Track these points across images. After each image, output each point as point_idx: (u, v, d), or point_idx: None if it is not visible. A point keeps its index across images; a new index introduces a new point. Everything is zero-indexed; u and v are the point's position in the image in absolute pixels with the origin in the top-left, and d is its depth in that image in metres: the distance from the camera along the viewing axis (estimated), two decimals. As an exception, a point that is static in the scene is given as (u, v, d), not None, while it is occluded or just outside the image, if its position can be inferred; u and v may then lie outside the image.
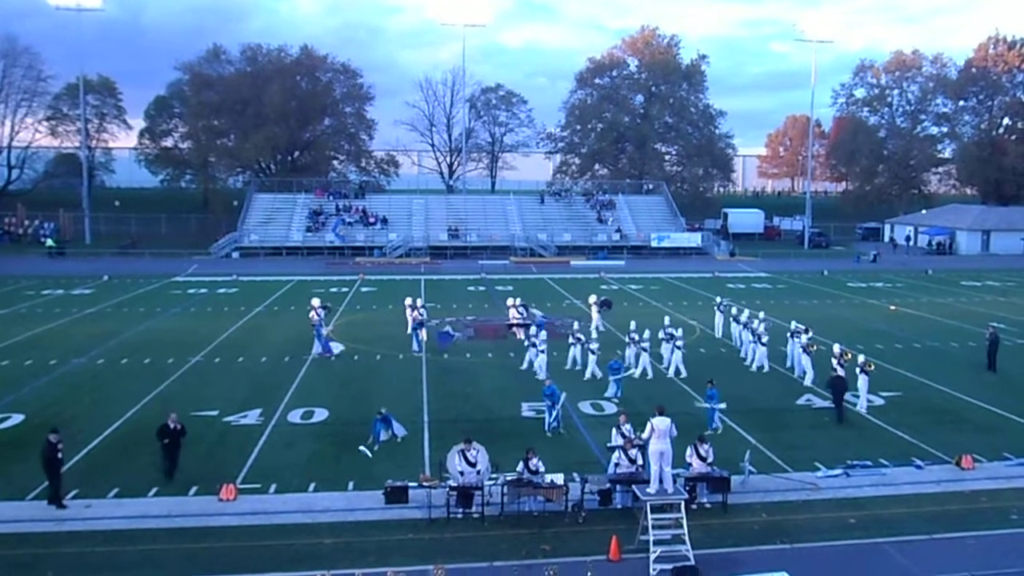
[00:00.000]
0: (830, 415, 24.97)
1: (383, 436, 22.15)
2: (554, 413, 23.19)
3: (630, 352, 30.18)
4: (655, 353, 30.66)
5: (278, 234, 78.26)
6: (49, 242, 74.41)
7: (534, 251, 77.24)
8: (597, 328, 35.26)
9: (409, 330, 35.04)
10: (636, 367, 29.66)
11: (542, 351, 29.44)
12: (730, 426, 23.78)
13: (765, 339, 30.75)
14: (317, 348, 33.13)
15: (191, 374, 29.96)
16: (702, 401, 24.62)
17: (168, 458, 19.38)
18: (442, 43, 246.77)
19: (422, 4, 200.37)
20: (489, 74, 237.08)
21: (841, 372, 25.57)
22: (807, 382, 28.42)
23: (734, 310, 36.04)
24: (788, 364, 30.80)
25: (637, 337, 30.11)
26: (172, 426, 19.37)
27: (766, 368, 30.46)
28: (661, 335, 31.13)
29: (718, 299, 38.71)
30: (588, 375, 29.03)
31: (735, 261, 75.21)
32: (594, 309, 38.60)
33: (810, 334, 30.83)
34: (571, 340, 31.22)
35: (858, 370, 25.65)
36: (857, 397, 25.50)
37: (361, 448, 21.67)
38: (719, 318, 37.20)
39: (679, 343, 30.02)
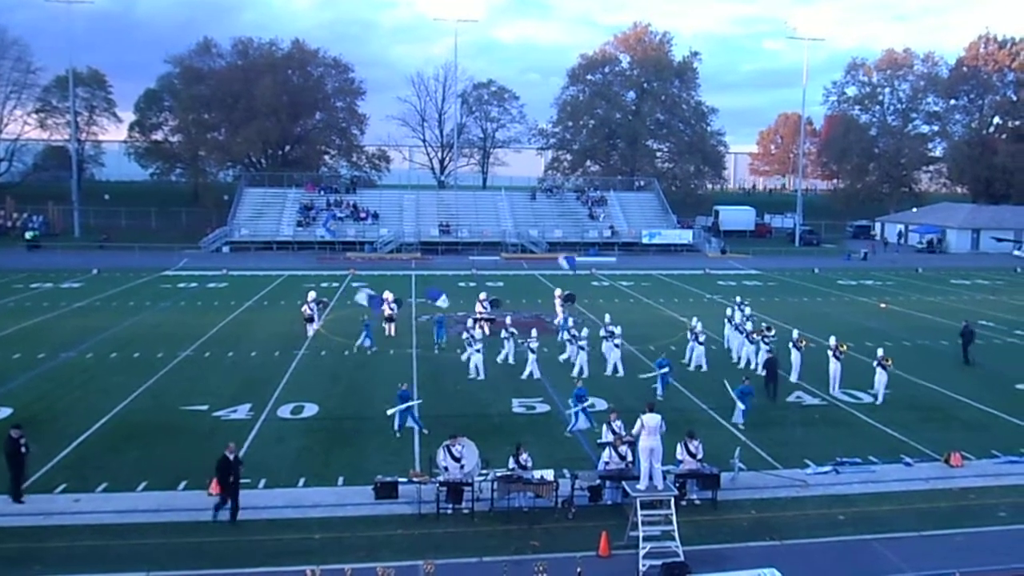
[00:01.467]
0: (820, 412, 25.10)
1: (400, 415, 22.45)
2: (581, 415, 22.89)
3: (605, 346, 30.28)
4: (597, 352, 30.54)
5: (268, 228, 77.98)
6: (28, 234, 74.24)
7: (525, 247, 77.21)
8: (560, 323, 35.11)
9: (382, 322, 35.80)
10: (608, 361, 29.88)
11: (583, 349, 29.37)
12: (720, 423, 23.84)
13: (703, 339, 30.56)
14: (366, 342, 33.33)
15: (181, 368, 29.84)
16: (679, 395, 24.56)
17: (229, 494, 17.07)
18: (435, 38, 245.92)
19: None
20: (482, 70, 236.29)
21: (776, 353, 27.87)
22: (793, 378, 28.56)
23: (729, 312, 35.67)
24: (743, 363, 30.59)
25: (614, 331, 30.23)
26: (231, 457, 17.25)
27: (704, 367, 30.13)
28: (602, 333, 30.88)
29: (737, 299, 37.84)
30: (526, 374, 28.67)
31: (726, 258, 75.34)
32: (558, 303, 38.65)
33: (772, 332, 30.86)
34: (503, 335, 31.34)
35: (875, 363, 26.52)
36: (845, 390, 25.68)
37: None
38: (738, 316, 36.43)
39: (617, 341, 29.71)
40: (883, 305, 46.99)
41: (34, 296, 46.29)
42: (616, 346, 29.68)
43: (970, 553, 15.94)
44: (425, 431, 22.26)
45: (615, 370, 29.45)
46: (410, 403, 22.74)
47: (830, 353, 27.74)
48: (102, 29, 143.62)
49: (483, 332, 31.16)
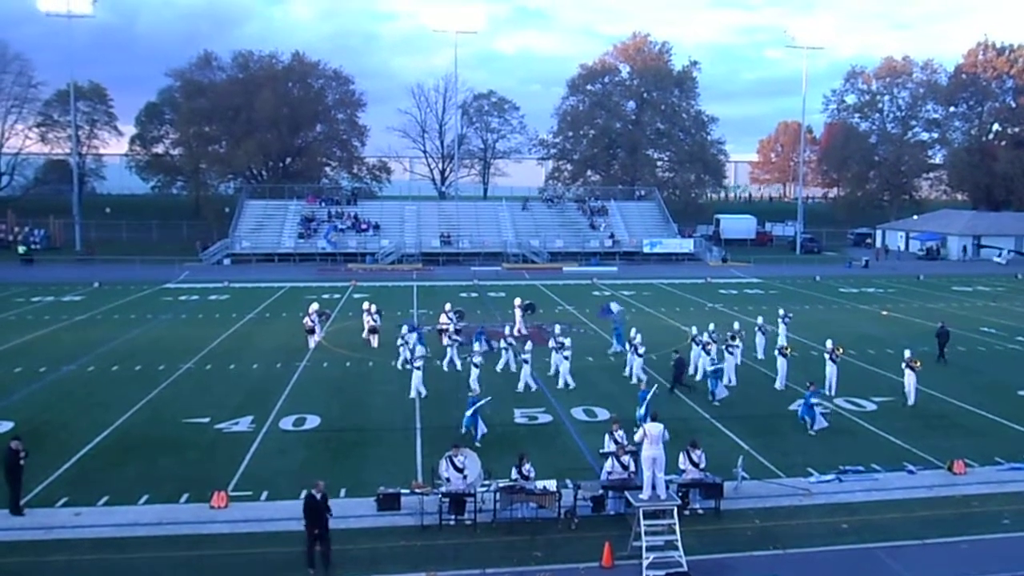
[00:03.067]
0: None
1: (480, 428, 22.60)
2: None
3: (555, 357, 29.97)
4: (544, 362, 30.32)
5: (270, 240, 78.12)
6: (21, 248, 74.10)
7: (526, 257, 77.26)
8: (519, 331, 34.75)
9: (364, 334, 35.58)
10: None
11: (568, 357, 29.07)
12: (723, 432, 23.81)
13: (642, 350, 29.67)
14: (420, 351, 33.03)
15: (182, 381, 29.82)
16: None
17: (313, 538, 15.48)
18: (436, 50, 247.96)
19: (416, 11, 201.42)
20: (484, 81, 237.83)
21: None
22: (778, 386, 28.73)
23: (693, 330, 34.37)
24: (699, 375, 29.92)
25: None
26: (319, 496, 15.71)
27: (643, 379, 28.54)
28: (551, 344, 30.54)
29: (781, 311, 37.23)
30: (474, 385, 27.22)
31: (727, 267, 75.36)
32: (518, 312, 38.53)
33: (736, 341, 30.53)
34: (447, 342, 31.58)
35: (904, 365, 27.13)
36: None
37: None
38: (782, 328, 35.59)
39: (566, 353, 28.99)
40: (885, 312, 46.94)
41: (35, 309, 46.32)
42: (566, 358, 28.98)
43: (974, 561, 15.89)
44: (478, 444, 21.99)
45: (566, 384, 28.59)
46: (479, 404, 22.86)
47: (827, 356, 28.14)
48: (104, 43, 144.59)
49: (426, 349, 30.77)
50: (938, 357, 33.33)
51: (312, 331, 35.96)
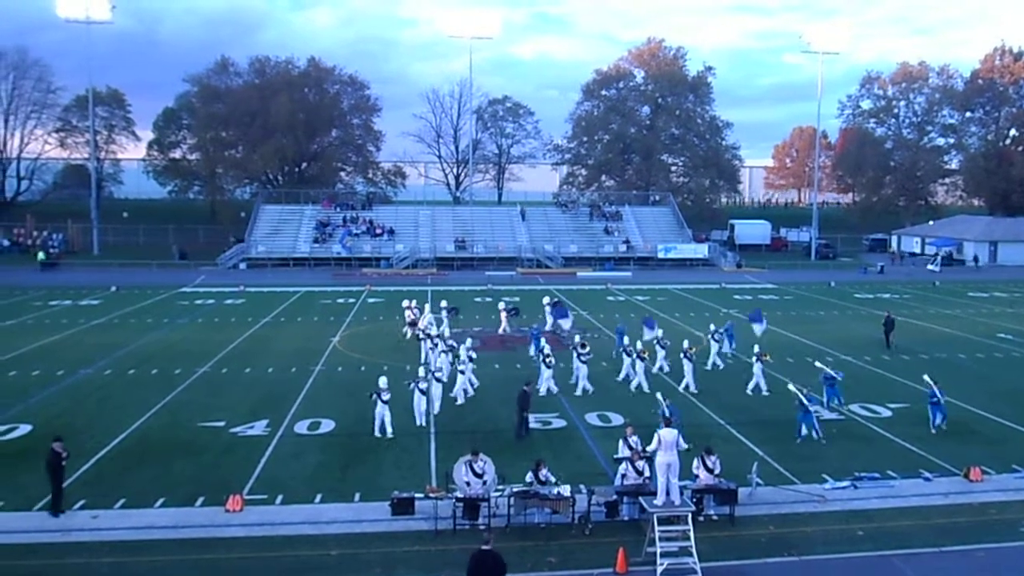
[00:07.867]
0: (837, 427, 24.91)
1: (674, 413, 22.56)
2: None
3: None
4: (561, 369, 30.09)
5: (285, 245, 78.39)
6: (40, 255, 74.37)
7: (540, 262, 77.27)
8: (441, 335, 34.35)
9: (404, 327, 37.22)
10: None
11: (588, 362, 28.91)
12: (737, 438, 23.75)
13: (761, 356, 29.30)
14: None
15: (198, 384, 29.99)
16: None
17: None
18: (454, 55, 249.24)
19: (435, 17, 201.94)
20: (501, 86, 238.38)
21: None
22: (751, 386, 28.71)
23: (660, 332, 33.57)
24: (622, 376, 29.93)
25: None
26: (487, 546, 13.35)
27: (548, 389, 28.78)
28: (441, 347, 30.49)
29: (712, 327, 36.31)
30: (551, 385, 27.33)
31: (742, 272, 75.09)
32: (444, 314, 38.90)
33: (587, 349, 29.68)
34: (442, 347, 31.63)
35: (753, 358, 28.99)
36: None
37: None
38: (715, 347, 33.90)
39: (468, 367, 28.30)
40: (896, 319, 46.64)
41: (53, 313, 46.66)
42: (461, 372, 28.04)
43: (991, 569, 15.81)
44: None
45: (456, 399, 27.33)
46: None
47: (682, 355, 29.46)
48: (124, 49, 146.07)
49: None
50: (887, 345, 36.99)
51: (414, 323, 37.31)
